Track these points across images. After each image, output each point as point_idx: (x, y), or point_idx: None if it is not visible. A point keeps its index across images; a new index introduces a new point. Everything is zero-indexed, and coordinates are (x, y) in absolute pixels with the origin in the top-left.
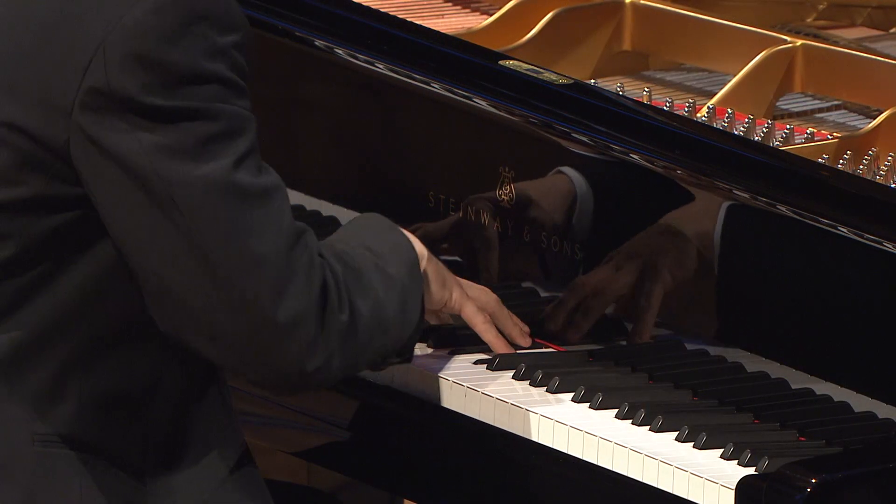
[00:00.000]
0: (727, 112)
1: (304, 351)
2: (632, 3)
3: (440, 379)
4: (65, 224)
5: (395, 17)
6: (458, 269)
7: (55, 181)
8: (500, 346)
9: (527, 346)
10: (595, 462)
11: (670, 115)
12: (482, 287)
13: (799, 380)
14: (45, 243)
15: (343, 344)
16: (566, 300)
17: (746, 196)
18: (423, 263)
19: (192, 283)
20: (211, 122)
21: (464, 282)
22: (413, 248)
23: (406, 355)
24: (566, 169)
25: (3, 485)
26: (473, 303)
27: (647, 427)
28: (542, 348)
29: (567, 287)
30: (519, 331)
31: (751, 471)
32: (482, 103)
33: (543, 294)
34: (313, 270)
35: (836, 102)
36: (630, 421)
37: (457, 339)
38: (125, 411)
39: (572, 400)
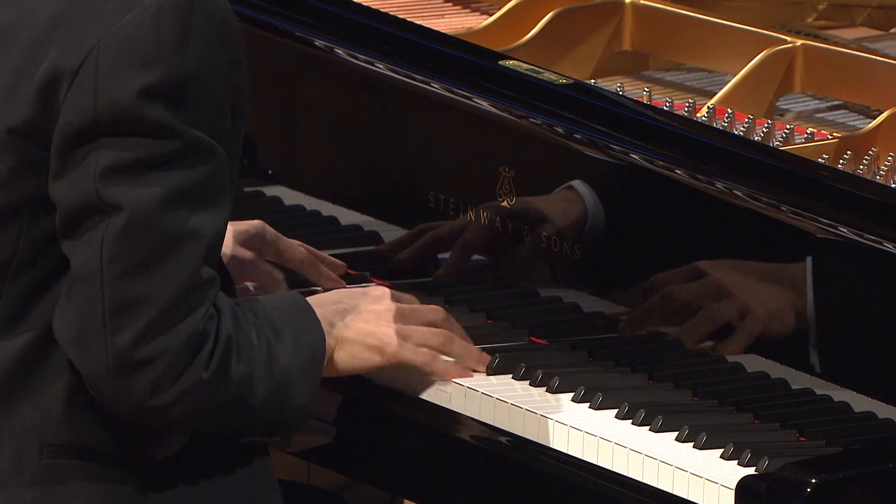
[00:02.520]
0: (727, 112)
1: (147, 390)
2: (632, 3)
3: (440, 380)
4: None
5: (395, 17)
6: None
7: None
8: (454, 374)
9: (482, 370)
10: (595, 462)
11: (670, 115)
12: (427, 321)
13: (799, 380)
14: (44, 246)
15: (193, 398)
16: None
17: (743, 196)
18: (334, 351)
19: (81, 289)
20: (171, 141)
21: (407, 326)
22: (322, 339)
23: (282, 438)
24: (577, 184)
25: (12, 497)
26: (412, 351)
27: (647, 427)
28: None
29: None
30: (476, 359)
31: (751, 471)
32: (482, 103)
33: (543, 294)
34: (194, 321)
35: (836, 102)
36: (630, 421)
37: None
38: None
39: (572, 400)
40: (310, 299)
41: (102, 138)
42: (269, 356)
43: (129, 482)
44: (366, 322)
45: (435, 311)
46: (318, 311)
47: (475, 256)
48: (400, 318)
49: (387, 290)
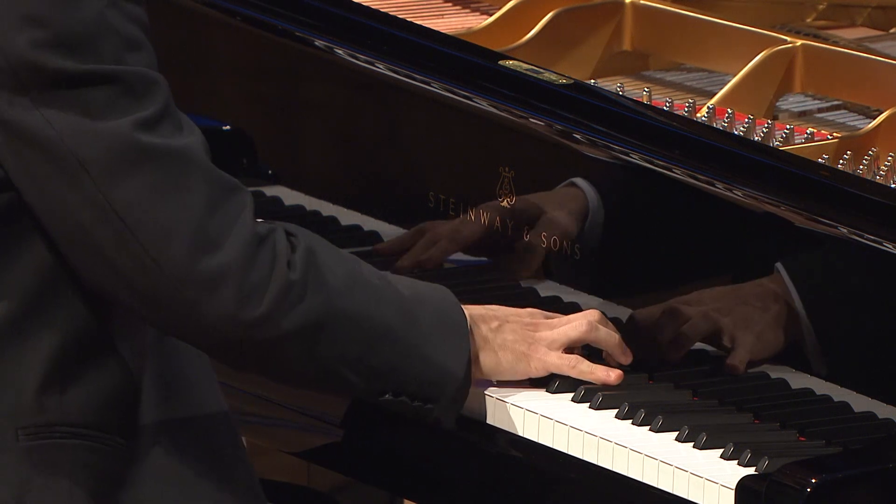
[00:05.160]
0: (727, 112)
1: (235, 300)
2: (632, 3)
3: None
4: (7, 204)
5: (395, 17)
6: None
7: None
8: (599, 376)
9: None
10: (595, 462)
11: (670, 115)
12: (569, 327)
13: (799, 380)
14: None
15: (292, 302)
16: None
17: (743, 196)
18: (480, 352)
19: (115, 247)
20: (111, 84)
21: (551, 332)
22: (462, 312)
23: (435, 407)
24: (579, 181)
25: None
26: (557, 356)
27: (647, 427)
28: None
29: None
30: (619, 351)
31: (751, 471)
32: (482, 103)
33: (543, 294)
34: (244, 226)
35: (836, 102)
36: (630, 421)
37: None
38: (113, 393)
39: (572, 400)
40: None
41: (41, 105)
42: (384, 282)
43: (111, 457)
44: (513, 330)
45: (585, 315)
46: (468, 310)
47: (475, 256)
48: (546, 326)
49: (533, 311)
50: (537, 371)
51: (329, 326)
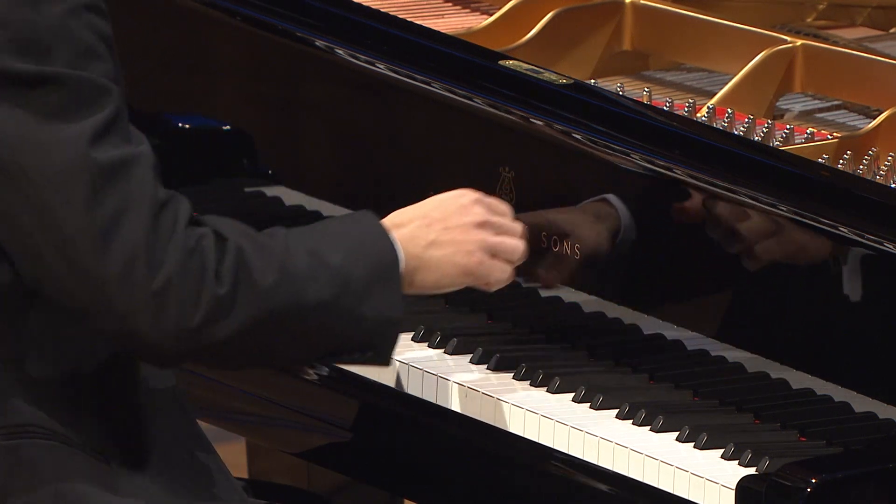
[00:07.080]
0: (727, 112)
1: (168, 314)
2: (632, 3)
3: (440, 379)
4: None
5: (395, 17)
6: None
7: None
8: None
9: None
10: (595, 462)
11: (670, 115)
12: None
13: (799, 380)
14: None
15: (227, 316)
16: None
17: (742, 195)
18: (418, 270)
19: (53, 253)
20: (60, 88)
21: (494, 239)
22: (392, 249)
23: (374, 352)
24: (612, 198)
25: None
26: (500, 270)
27: (648, 427)
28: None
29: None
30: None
31: (751, 471)
32: (482, 103)
33: (543, 294)
34: (175, 237)
35: (836, 102)
36: (631, 421)
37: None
38: (85, 391)
39: (573, 400)
40: (389, 217)
41: None
42: (313, 259)
43: (89, 455)
44: (452, 242)
45: (518, 226)
46: (399, 232)
47: None
48: (489, 227)
49: (473, 195)
50: (476, 284)
51: (263, 326)
